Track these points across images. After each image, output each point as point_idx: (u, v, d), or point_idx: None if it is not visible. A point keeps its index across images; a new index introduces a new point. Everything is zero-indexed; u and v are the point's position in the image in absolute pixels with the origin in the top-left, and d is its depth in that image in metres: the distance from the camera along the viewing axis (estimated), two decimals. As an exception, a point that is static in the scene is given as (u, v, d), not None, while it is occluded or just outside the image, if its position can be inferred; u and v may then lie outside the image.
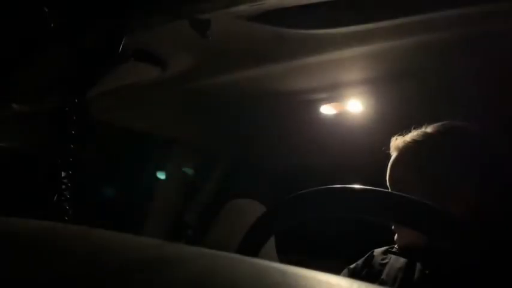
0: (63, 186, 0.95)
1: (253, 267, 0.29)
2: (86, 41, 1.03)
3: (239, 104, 1.71)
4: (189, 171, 2.10)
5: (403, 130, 1.07)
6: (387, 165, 1.07)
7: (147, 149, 2.02)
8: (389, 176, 1.05)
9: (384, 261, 1.07)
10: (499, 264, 0.59)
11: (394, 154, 1.05)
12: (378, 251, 1.12)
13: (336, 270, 1.15)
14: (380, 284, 1.00)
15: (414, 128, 1.06)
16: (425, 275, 0.95)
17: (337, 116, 1.73)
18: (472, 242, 0.61)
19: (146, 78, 1.34)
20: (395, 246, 1.06)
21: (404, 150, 1.03)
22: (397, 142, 1.05)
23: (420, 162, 1.00)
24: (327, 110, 1.70)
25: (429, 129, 1.03)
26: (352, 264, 1.15)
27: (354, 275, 1.10)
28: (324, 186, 0.70)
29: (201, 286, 0.27)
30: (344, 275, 1.12)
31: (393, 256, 1.05)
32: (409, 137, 1.04)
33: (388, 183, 1.05)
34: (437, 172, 0.97)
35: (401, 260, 1.02)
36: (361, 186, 0.68)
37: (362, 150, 1.77)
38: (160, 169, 2.02)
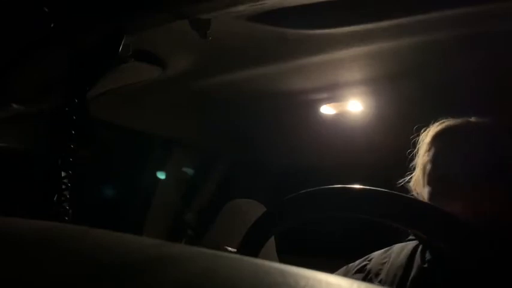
0: (63, 186, 0.95)
1: (253, 267, 0.29)
2: (86, 40, 1.03)
3: (239, 104, 1.71)
4: (189, 171, 2.09)
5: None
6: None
7: (147, 149, 2.02)
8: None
9: (384, 261, 1.07)
10: (499, 263, 0.59)
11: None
12: (378, 252, 1.12)
13: (335, 270, 1.15)
14: (379, 283, 1.01)
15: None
16: (424, 271, 0.95)
17: (337, 116, 1.73)
18: (472, 243, 0.61)
19: (146, 78, 1.34)
20: (394, 246, 1.07)
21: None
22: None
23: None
24: (327, 110, 1.71)
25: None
26: (351, 263, 1.15)
27: (353, 273, 1.10)
28: (324, 186, 0.70)
29: (201, 286, 0.27)
30: (341, 272, 1.12)
31: (393, 255, 1.06)
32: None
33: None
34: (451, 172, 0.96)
35: (401, 259, 1.02)
36: (361, 187, 0.68)
37: (362, 150, 1.77)
38: (160, 169, 2.02)
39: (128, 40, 1.00)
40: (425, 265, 0.95)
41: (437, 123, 1.04)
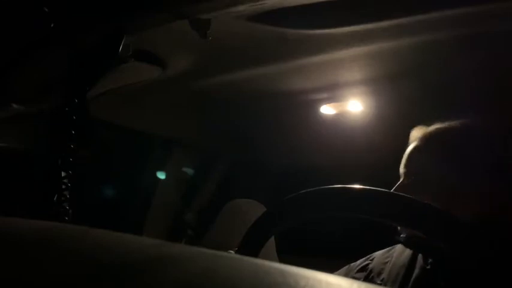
0: (63, 186, 0.95)
1: (253, 267, 0.29)
2: (86, 40, 1.03)
3: (239, 104, 1.71)
4: (189, 171, 2.09)
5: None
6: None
7: (147, 149, 2.02)
8: (406, 163, 1.02)
9: (386, 260, 1.07)
10: (499, 263, 0.59)
11: (415, 143, 1.03)
12: (380, 251, 1.12)
13: (336, 270, 1.15)
14: (381, 283, 1.01)
15: (420, 126, 1.04)
16: (426, 271, 0.95)
17: (337, 116, 1.73)
18: (472, 243, 0.61)
19: (146, 78, 1.34)
20: (397, 246, 1.07)
21: (429, 140, 1.02)
22: (419, 132, 1.03)
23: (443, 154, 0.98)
24: (327, 110, 1.70)
25: (446, 124, 1.02)
26: (353, 263, 1.15)
27: (355, 272, 1.10)
28: (324, 186, 0.70)
29: (201, 286, 0.27)
30: (342, 272, 1.12)
31: (395, 255, 1.06)
32: (433, 128, 1.02)
33: (401, 171, 1.03)
34: (443, 173, 0.96)
35: (403, 258, 1.02)
36: (361, 187, 0.68)
37: (362, 150, 1.77)
38: (160, 169, 2.02)
39: (128, 40, 1.00)
40: (428, 266, 0.95)
41: (433, 126, 1.04)
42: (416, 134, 1.04)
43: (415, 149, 1.02)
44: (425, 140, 1.01)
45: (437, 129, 1.02)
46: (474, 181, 0.94)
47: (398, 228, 1.03)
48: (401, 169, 1.03)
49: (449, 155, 0.97)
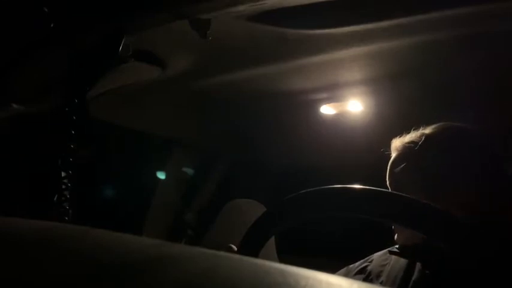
0: (63, 186, 0.95)
1: (253, 267, 0.29)
2: (86, 40, 1.03)
3: (239, 104, 1.71)
4: (189, 171, 2.09)
5: (403, 130, 1.08)
6: (387, 165, 1.07)
7: (147, 149, 2.02)
8: (389, 176, 1.05)
9: (385, 263, 1.07)
10: (499, 263, 0.59)
11: (393, 155, 1.06)
12: (378, 253, 1.12)
13: (336, 270, 1.15)
14: (380, 285, 1.01)
15: (414, 129, 1.06)
16: (425, 274, 0.95)
17: (337, 116, 1.73)
18: (472, 243, 0.61)
19: (146, 78, 1.34)
20: (396, 246, 1.06)
21: (403, 151, 1.04)
22: (396, 143, 1.06)
23: (418, 163, 1.00)
24: (327, 110, 1.70)
25: (427, 130, 1.04)
26: (352, 264, 1.15)
27: (353, 274, 1.10)
28: (324, 187, 0.70)
29: (201, 286, 0.27)
30: (341, 273, 1.12)
31: (394, 257, 1.05)
32: (408, 137, 1.05)
33: (387, 183, 1.06)
34: (435, 173, 0.97)
35: (402, 261, 1.02)
36: (361, 187, 0.68)
37: (362, 150, 1.77)
38: (160, 169, 2.02)
39: (127, 40, 1.00)
40: (427, 271, 0.95)
41: (432, 127, 1.05)
42: (395, 145, 1.07)
43: (394, 159, 1.06)
44: (403, 149, 1.05)
45: (410, 140, 1.05)
46: (474, 181, 0.94)
47: (395, 237, 1.04)
48: (387, 180, 1.06)
49: (426, 162, 1.00)
